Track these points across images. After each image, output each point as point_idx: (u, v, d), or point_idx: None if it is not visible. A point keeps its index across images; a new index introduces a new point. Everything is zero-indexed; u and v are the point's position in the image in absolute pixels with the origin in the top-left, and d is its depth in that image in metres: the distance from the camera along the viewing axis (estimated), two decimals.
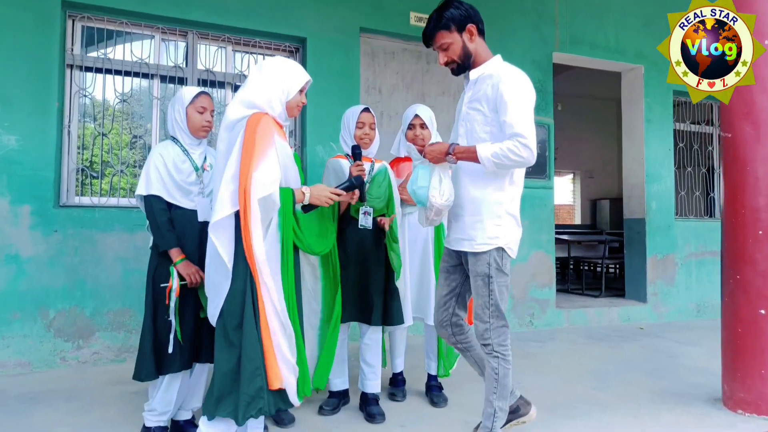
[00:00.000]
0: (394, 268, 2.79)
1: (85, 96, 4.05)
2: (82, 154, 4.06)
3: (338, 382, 2.93)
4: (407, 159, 3.14)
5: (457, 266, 2.41)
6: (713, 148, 6.60)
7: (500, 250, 2.22)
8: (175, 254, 2.37)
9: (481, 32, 2.27)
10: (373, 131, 2.87)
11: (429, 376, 3.21)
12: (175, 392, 2.43)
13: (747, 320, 2.98)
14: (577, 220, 12.64)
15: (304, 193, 2.16)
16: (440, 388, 3.16)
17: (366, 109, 2.87)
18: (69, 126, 3.94)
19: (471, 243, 2.24)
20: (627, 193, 6.24)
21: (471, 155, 2.13)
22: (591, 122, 11.11)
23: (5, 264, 3.66)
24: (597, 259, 7.04)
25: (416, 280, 3.10)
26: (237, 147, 1.98)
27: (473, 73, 2.27)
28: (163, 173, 2.42)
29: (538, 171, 5.45)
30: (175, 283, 2.29)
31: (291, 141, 4.48)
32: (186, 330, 2.36)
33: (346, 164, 2.85)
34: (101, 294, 3.87)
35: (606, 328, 5.51)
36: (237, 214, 1.96)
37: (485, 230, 2.22)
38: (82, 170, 4.03)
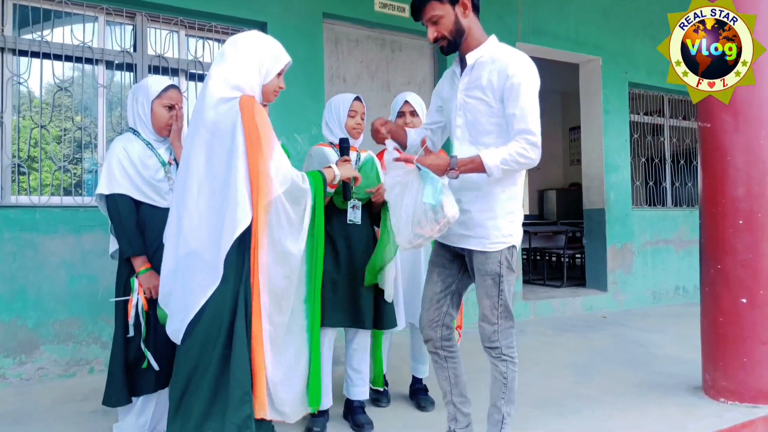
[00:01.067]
0: (382, 247, 2.55)
1: (20, 83, 3.62)
2: (18, 148, 3.63)
3: (325, 399, 2.65)
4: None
5: (453, 260, 2.24)
6: (665, 139, 6.78)
7: (512, 248, 2.09)
8: (139, 263, 2.12)
9: (476, 8, 2.08)
10: (363, 121, 2.69)
11: (414, 378, 3.06)
12: (150, 414, 2.17)
13: (728, 310, 2.99)
14: (525, 211, 12.84)
15: (334, 172, 2.02)
16: (426, 390, 3.02)
17: (358, 98, 2.68)
18: (2, 117, 3.52)
19: (482, 241, 2.07)
20: (586, 183, 6.31)
21: (476, 166, 1.96)
22: None
23: None
24: (558, 250, 7.11)
25: (406, 280, 2.92)
26: (238, 140, 1.75)
27: (470, 57, 2.07)
28: (129, 169, 2.16)
29: None
30: (136, 297, 2.03)
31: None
32: (160, 346, 2.10)
33: (331, 153, 2.64)
34: (45, 304, 3.49)
35: (571, 318, 5.55)
36: None
37: (499, 228, 2.05)
38: (19, 166, 3.61)
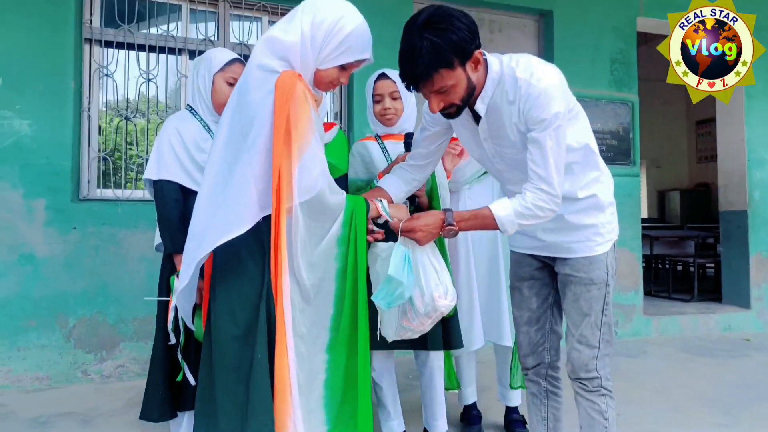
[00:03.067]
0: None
1: (107, 75, 3.59)
2: (105, 140, 3.60)
3: (395, 425, 2.27)
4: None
5: (543, 268, 1.83)
6: None
7: (614, 245, 1.74)
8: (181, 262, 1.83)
9: (480, 47, 1.53)
10: (397, 101, 2.20)
11: (508, 408, 2.57)
12: None
13: None
14: (643, 214, 11.69)
15: (378, 210, 1.59)
16: (524, 423, 2.52)
17: (383, 75, 2.20)
18: (89, 109, 3.49)
19: (587, 245, 1.69)
20: (723, 181, 5.40)
21: (483, 221, 1.58)
22: (656, 107, 10.21)
23: (19, 265, 3.24)
24: (685, 258, 6.18)
25: (484, 292, 2.47)
26: (261, 127, 1.40)
27: (480, 107, 1.58)
28: (180, 152, 1.93)
29: (621, 156, 4.72)
30: (176, 299, 1.76)
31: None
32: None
33: (375, 148, 2.24)
34: (125, 300, 3.41)
35: (704, 340, 4.70)
36: (264, 220, 1.44)
37: (603, 224, 1.70)
38: (104, 159, 3.57)
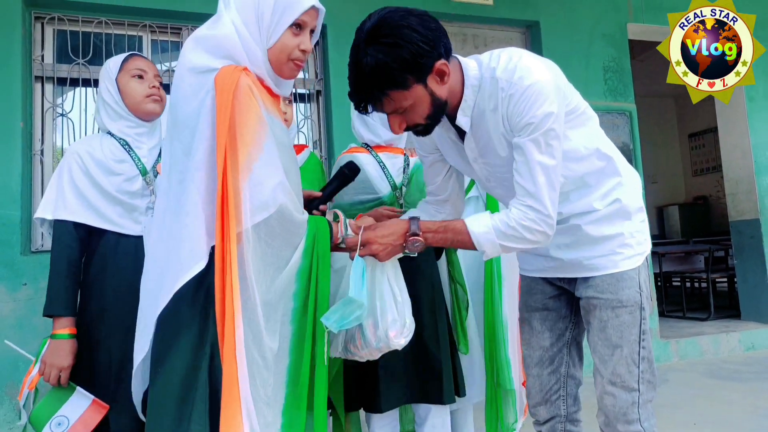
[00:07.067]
0: (459, 324, 1.86)
1: (62, 114, 3.29)
2: None
3: None
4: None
5: (559, 296, 1.52)
6: None
7: (646, 260, 1.46)
8: (60, 325, 1.53)
9: (449, 53, 1.30)
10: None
11: None
12: None
13: None
14: None
15: (340, 232, 1.32)
16: None
17: None
18: (41, 152, 3.18)
19: (612, 259, 1.40)
20: (731, 190, 5.12)
21: (457, 237, 1.32)
22: (647, 121, 10.12)
23: None
24: (695, 273, 5.86)
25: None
26: (201, 136, 1.13)
27: (462, 120, 1.34)
28: (83, 184, 1.58)
29: None
30: (36, 368, 1.50)
31: (317, 153, 3.60)
32: None
33: (367, 159, 1.94)
34: None
35: (728, 362, 4.34)
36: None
37: (631, 233, 1.42)
38: None
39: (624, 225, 1.41)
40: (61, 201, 1.56)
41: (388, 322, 1.28)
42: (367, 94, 1.25)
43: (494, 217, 1.29)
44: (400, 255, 1.35)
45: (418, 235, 1.30)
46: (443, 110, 1.32)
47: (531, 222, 1.25)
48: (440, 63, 1.24)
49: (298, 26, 1.25)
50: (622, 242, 1.40)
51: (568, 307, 1.52)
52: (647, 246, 1.45)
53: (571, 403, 1.52)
